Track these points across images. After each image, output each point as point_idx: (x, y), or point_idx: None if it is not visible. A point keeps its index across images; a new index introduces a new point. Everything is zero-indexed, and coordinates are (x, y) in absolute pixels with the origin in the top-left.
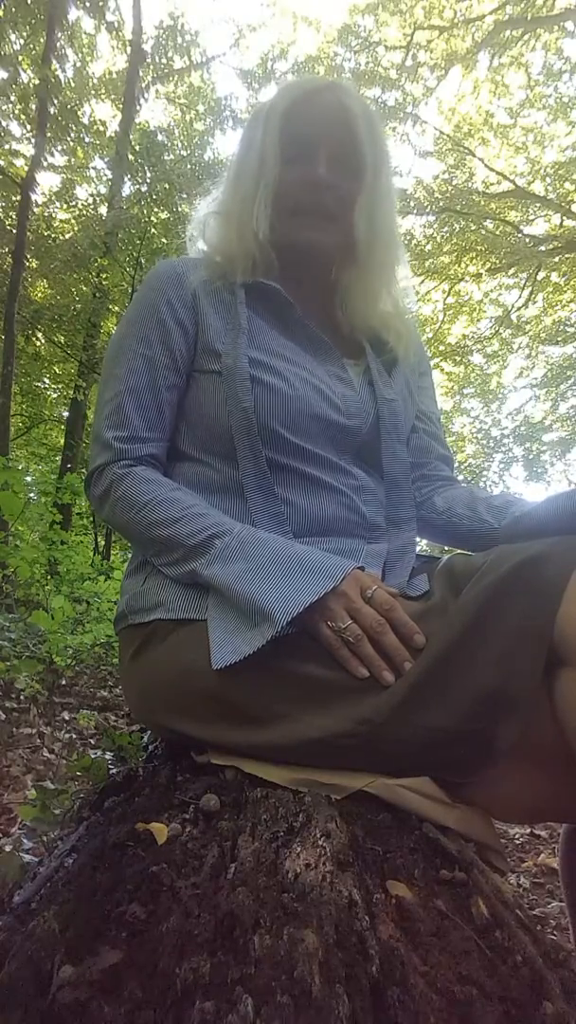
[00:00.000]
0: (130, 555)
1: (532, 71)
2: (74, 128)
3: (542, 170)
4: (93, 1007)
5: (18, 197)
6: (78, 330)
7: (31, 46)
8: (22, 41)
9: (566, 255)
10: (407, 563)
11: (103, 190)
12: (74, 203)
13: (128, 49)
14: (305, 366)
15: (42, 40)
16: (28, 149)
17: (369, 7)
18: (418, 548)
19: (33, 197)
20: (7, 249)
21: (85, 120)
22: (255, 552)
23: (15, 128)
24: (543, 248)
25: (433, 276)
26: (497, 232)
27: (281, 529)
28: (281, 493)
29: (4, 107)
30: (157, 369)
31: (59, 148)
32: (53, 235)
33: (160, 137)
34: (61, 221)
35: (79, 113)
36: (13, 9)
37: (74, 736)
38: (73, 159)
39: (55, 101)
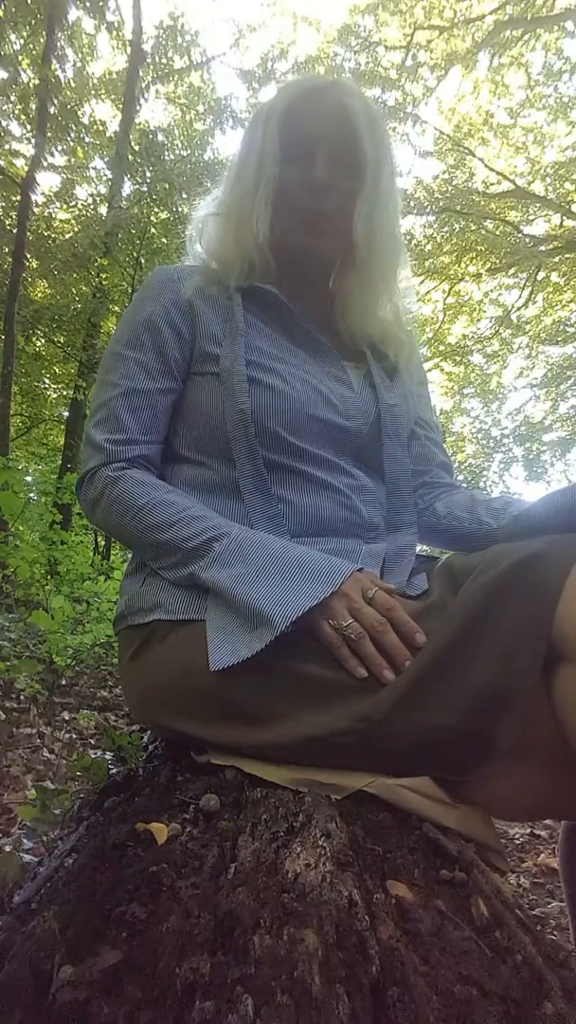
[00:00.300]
0: (129, 555)
1: (532, 71)
2: (74, 128)
3: (542, 170)
4: (93, 1007)
5: (18, 197)
6: (78, 330)
7: (31, 46)
8: (22, 41)
9: (566, 255)
10: (406, 565)
11: (103, 190)
12: (74, 203)
13: (128, 49)
14: (304, 367)
15: (42, 40)
16: (28, 149)
17: (369, 7)
18: (418, 550)
19: (33, 197)
20: (7, 249)
21: (85, 120)
22: (254, 554)
23: (15, 128)
24: (543, 248)
25: (433, 276)
26: (497, 232)
27: (278, 530)
28: (279, 493)
29: (4, 107)
30: (151, 374)
31: (59, 148)
32: (53, 235)
33: (160, 137)
34: (61, 221)
35: (79, 113)
36: (13, 9)
37: (74, 736)
38: (73, 159)
39: (55, 101)
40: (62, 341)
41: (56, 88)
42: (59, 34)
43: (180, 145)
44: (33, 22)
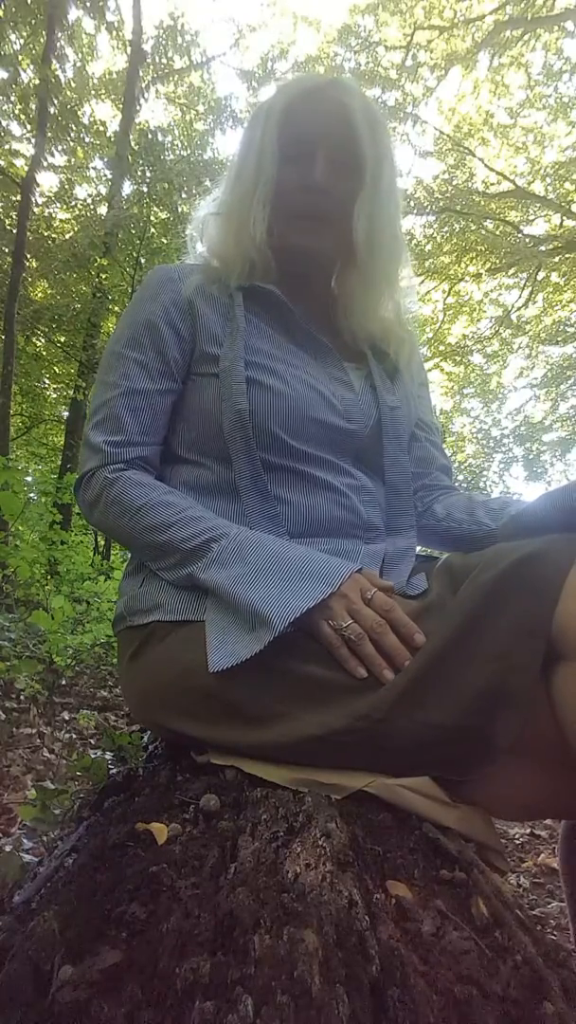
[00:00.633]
0: (129, 556)
1: (532, 71)
2: (74, 128)
3: (542, 170)
4: (93, 1007)
5: (18, 197)
6: (78, 330)
7: (31, 46)
8: (22, 41)
9: (566, 255)
10: (406, 566)
11: (103, 190)
12: (74, 203)
13: (128, 49)
14: (305, 368)
15: (42, 40)
16: (28, 149)
17: (369, 7)
18: (417, 551)
19: (33, 197)
20: (7, 249)
21: (85, 120)
22: (252, 555)
23: (15, 128)
24: (543, 248)
25: (433, 276)
26: (497, 232)
27: (277, 530)
28: (277, 493)
29: (4, 107)
30: (151, 374)
31: (59, 148)
32: (53, 235)
33: (160, 137)
34: (61, 221)
35: (79, 113)
36: (13, 9)
37: (74, 736)
38: (73, 159)
39: (55, 101)
40: (62, 341)
41: (56, 88)
42: (59, 34)
43: (180, 145)
44: (33, 22)
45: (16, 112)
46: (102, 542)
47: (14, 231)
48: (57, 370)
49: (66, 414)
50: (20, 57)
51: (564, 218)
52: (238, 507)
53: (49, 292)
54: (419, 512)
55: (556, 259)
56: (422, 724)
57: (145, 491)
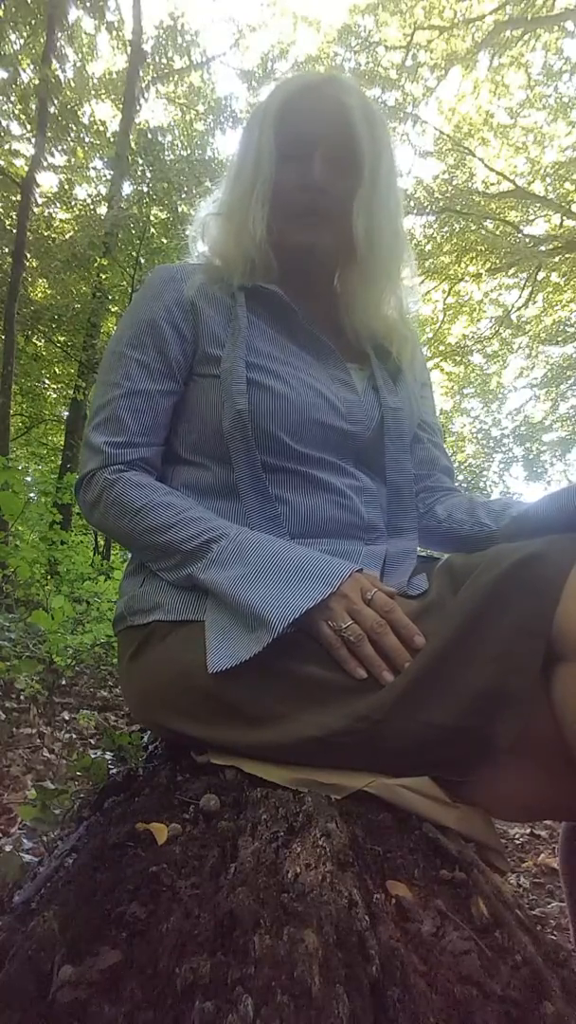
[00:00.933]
0: (129, 556)
1: (532, 71)
2: (74, 128)
3: (542, 170)
4: (93, 1007)
5: (18, 197)
6: (78, 330)
7: (31, 46)
8: (22, 41)
9: (566, 255)
10: (407, 567)
11: (103, 190)
12: (74, 203)
13: (128, 49)
14: (307, 369)
15: (42, 40)
16: (28, 149)
17: (369, 7)
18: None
19: (33, 197)
20: (7, 249)
21: (85, 120)
22: (252, 556)
23: (15, 128)
24: (543, 248)
25: (433, 276)
26: (497, 232)
27: (278, 531)
28: (278, 494)
29: (4, 107)
30: (152, 375)
31: (59, 148)
32: (53, 235)
33: (160, 137)
34: (61, 221)
35: (79, 113)
36: (13, 9)
37: (74, 736)
38: (73, 159)
39: (55, 101)
40: (62, 341)
41: (56, 88)
42: (59, 34)
43: (180, 145)
44: (33, 22)
45: (16, 112)
46: (102, 542)
47: (14, 231)
48: (57, 370)
49: (66, 414)
50: (20, 57)
51: (564, 218)
52: (239, 508)
53: (49, 292)
54: (420, 513)
55: (556, 259)
56: (422, 724)
57: (145, 492)
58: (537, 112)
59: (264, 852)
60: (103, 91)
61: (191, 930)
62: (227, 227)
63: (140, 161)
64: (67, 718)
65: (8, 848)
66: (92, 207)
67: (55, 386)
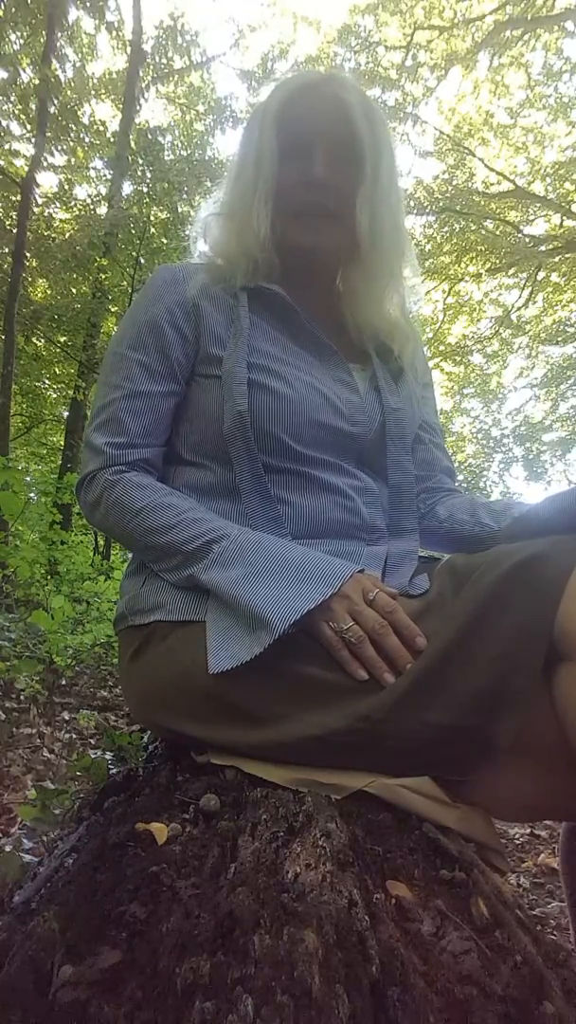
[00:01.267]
0: (130, 556)
1: (532, 71)
2: (74, 128)
3: (542, 170)
4: (93, 1007)
5: (18, 197)
6: (78, 330)
7: (31, 46)
8: (22, 41)
9: (566, 255)
10: (408, 567)
11: (103, 190)
12: (74, 203)
13: (128, 49)
14: (309, 370)
15: (42, 40)
16: (28, 149)
17: (369, 7)
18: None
19: (33, 197)
20: (7, 249)
21: (85, 120)
22: (253, 556)
23: (15, 128)
24: (543, 248)
25: (433, 276)
26: (497, 232)
27: (279, 532)
28: (279, 495)
29: (4, 107)
30: (154, 376)
31: (59, 148)
32: (53, 235)
33: (160, 137)
34: (61, 221)
35: (79, 113)
36: (13, 9)
37: (74, 736)
38: (73, 159)
39: (55, 101)
40: (62, 341)
41: (56, 88)
42: (59, 34)
43: (180, 145)
44: (33, 22)
45: (16, 112)
46: (102, 542)
47: (14, 231)
48: (57, 370)
49: (66, 414)
50: (20, 57)
51: (564, 218)
52: (240, 509)
53: (49, 292)
54: (422, 514)
55: (556, 259)
56: (423, 724)
57: (146, 493)
58: (537, 112)
59: (264, 852)
60: (103, 91)
61: (191, 930)
62: (229, 227)
63: (140, 161)
64: (67, 718)
65: (8, 848)
66: (92, 207)
67: (55, 386)
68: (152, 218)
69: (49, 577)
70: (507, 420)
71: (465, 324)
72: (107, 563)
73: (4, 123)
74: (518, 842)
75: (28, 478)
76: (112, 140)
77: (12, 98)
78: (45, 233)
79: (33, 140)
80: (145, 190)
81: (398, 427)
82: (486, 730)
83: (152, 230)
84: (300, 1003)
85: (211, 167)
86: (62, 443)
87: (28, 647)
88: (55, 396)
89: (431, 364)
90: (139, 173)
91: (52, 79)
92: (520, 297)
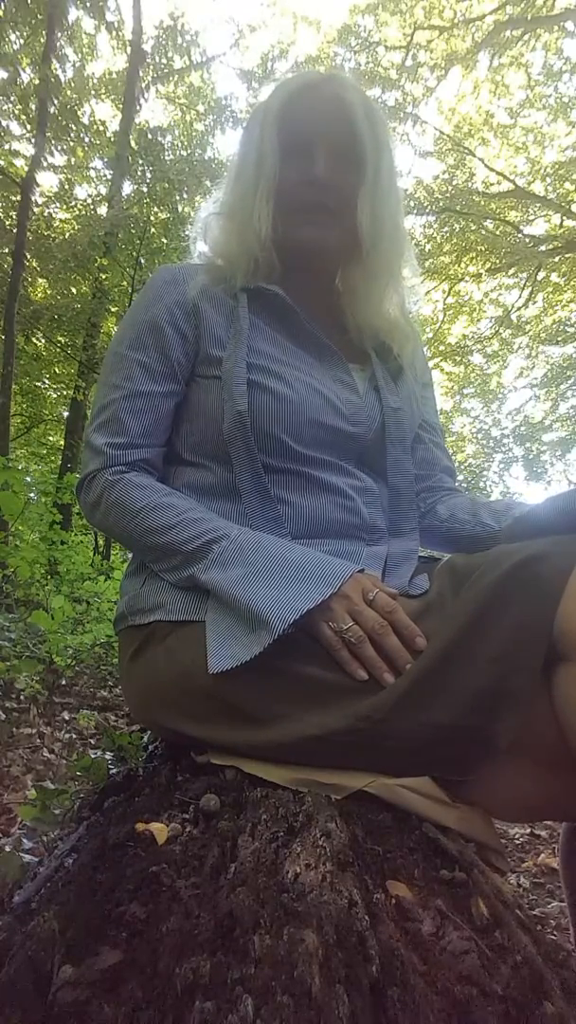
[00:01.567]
0: (130, 556)
1: (532, 71)
2: (74, 128)
3: (542, 170)
4: (93, 1007)
5: (18, 197)
6: (78, 330)
7: (31, 46)
8: (22, 41)
9: (566, 255)
10: (408, 567)
11: (103, 190)
12: (74, 203)
13: (128, 49)
14: (309, 371)
15: (42, 40)
16: (28, 149)
17: (369, 7)
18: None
19: (33, 197)
20: (7, 249)
21: (85, 120)
22: (253, 556)
23: (15, 128)
24: (543, 248)
25: (433, 276)
26: (497, 232)
27: (279, 532)
28: (279, 495)
29: (4, 107)
30: (154, 376)
31: (59, 148)
32: (53, 235)
33: (160, 137)
34: (61, 221)
35: (79, 113)
36: (13, 9)
37: (74, 736)
38: (73, 159)
39: (55, 101)
40: (62, 341)
41: (56, 88)
42: (59, 34)
43: (180, 145)
44: (33, 22)
45: (16, 112)
46: (102, 542)
47: (14, 231)
48: (57, 370)
49: (66, 414)
50: (20, 57)
51: (564, 218)
52: (240, 509)
53: (49, 292)
54: (422, 513)
55: (556, 259)
56: (423, 724)
57: (146, 493)
58: (537, 112)
59: (264, 852)
60: (103, 91)
61: (191, 930)
62: (229, 227)
63: (140, 161)
64: (67, 718)
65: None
66: (92, 207)
67: (55, 386)
68: (152, 218)
69: (49, 577)
70: (507, 420)
71: (465, 324)
72: (107, 563)
73: (4, 123)
74: (518, 842)
75: (28, 478)
76: (112, 140)
77: (12, 98)
78: (45, 233)
79: (33, 140)
80: (145, 190)
81: (398, 427)
82: (486, 730)
83: (152, 230)
84: (300, 1003)
85: (211, 167)
86: (62, 443)
87: (28, 647)
88: (55, 396)
89: (431, 364)
90: (139, 173)
91: (52, 79)
92: (520, 297)
